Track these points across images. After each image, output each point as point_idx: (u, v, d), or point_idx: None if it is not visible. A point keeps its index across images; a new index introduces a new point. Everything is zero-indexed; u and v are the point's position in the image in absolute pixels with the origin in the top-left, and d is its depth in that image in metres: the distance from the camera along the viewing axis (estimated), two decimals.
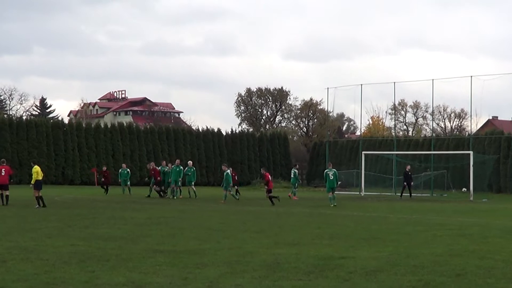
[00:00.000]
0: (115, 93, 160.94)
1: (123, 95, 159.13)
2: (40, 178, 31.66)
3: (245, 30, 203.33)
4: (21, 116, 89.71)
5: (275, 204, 35.51)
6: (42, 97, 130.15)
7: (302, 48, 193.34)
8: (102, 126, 75.52)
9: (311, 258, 14.52)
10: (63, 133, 70.58)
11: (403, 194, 47.86)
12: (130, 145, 74.30)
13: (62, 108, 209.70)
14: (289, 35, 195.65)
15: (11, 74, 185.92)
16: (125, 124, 76.96)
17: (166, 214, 27.80)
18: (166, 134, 77.48)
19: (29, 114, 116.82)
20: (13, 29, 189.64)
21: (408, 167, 49.57)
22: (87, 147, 71.60)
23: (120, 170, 48.88)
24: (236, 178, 46.11)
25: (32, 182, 31.45)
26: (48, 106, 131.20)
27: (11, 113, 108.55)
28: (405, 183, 47.71)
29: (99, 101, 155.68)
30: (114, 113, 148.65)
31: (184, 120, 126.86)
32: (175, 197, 41.34)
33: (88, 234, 19.01)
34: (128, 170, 48.41)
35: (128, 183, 46.60)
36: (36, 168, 31.78)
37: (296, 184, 45.79)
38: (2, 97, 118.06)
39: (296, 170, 46.23)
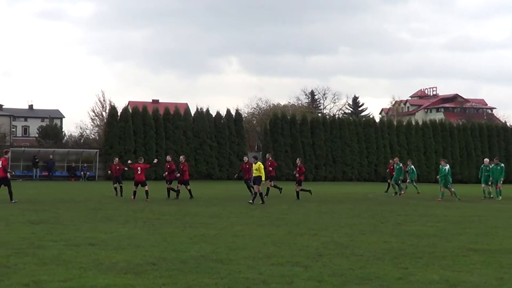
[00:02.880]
0: (426, 90, 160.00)
1: (434, 92, 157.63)
2: (260, 174, 31.03)
3: None
4: (334, 115, 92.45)
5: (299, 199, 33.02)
6: (355, 96, 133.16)
7: None
8: (414, 123, 75.50)
9: None
10: (374, 131, 71.65)
11: None
12: (442, 142, 73.48)
13: (371, 106, 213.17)
14: None
15: (320, 74, 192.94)
16: (437, 121, 76.25)
17: (479, 212, 27.07)
18: (479, 131, 75.53)
19: (342, 112, 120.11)
20: (319, 30, 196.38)
21: None
22: (398, 144, 72.02)
23: (407, 166, 44.60)
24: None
25: (255, 176, 30.85)
26: (360, 104, 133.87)
27: (324, 112, 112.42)
28: None
29: (410, 98, 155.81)
30: (425, 110, 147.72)
31: (497, 117, 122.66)
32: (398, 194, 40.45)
33: (401, 231, 19.09)
34: (412, 167, 44.55)
35: (412, 181, 43.97)
36: (260, 166, 31.21)
37: None
38: (316, 97, 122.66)
39: None
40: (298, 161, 36.47)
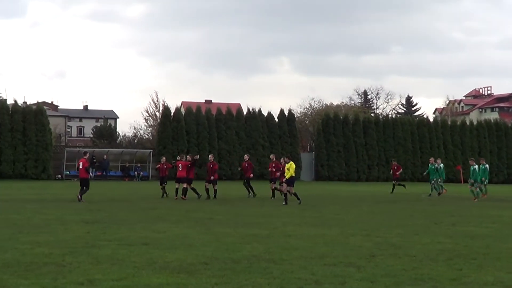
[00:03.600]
0: (480, 90, 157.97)
1: (489, 91, 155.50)
2: (293, 174, 30.59)
3: None
4: (387, 115, 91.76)
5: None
6: (408, 96, 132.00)
7: None
8: (468, 123, 74.62)
9: None
10: (428, 131, 71.00)
11: None
12: (497, 143, 72.50)
13: (425, 106, 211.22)
14: None
15: (373, 73, 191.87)
16: (492, 121, 75.24)
17: None
18: None
19: (395, 112, 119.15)
20: (371, 29, 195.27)
21: None
22: (452, 144, 71.24)
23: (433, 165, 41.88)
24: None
25: (287, 177, 30.31)
26: (413, 104, 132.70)
27: (377, 111, 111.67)
28: None
29: (464, 98, 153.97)
30: (480, 110, 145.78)
31: None
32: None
33: (454, 232, 18.88)
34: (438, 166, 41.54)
35: (439, 180, 41.18)
36: (291, 166, 30.83)
37: None
38: (369, 97, 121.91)
39: None
40: (272, 156, 37.50)
